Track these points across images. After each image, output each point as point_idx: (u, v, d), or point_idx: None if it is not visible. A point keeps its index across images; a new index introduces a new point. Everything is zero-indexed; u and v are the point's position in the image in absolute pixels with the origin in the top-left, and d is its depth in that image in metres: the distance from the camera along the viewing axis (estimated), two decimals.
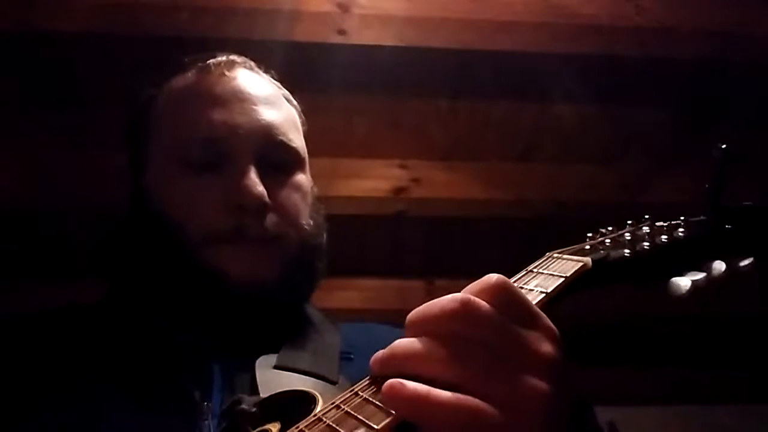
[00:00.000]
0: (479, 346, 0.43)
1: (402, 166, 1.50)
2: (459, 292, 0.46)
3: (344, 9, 1.31)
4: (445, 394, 0.41)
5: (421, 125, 1.48)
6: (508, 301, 0.46)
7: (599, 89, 1.46)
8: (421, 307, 0.47)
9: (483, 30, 1.36)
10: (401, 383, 0.42)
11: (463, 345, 0.43)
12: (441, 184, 1.51)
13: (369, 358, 0.58)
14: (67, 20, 1.25)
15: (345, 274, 1.46)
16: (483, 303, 0.45)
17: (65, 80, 1.34)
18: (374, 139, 1.48)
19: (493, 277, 0.47)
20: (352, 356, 0.72)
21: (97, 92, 1.35)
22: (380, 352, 0.47)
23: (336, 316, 0.81)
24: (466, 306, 0.44)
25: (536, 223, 1.53)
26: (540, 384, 0.43)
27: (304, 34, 1.31)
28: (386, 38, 1.35)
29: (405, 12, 1.34)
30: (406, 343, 0.45)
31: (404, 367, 0.44)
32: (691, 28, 1.39)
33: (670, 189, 1.53)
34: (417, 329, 0.46)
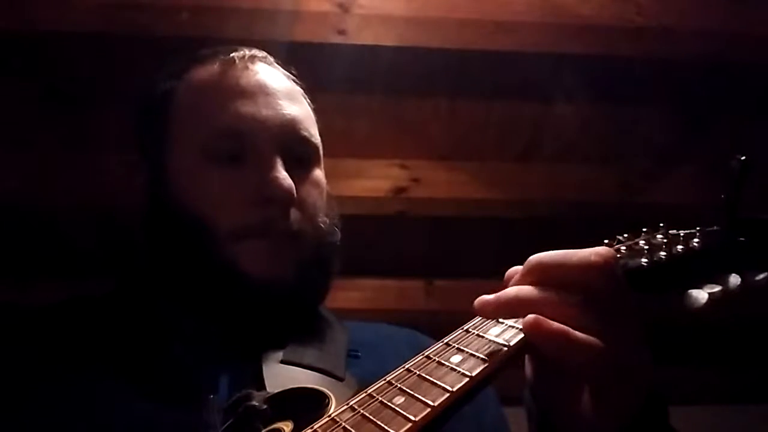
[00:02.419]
0: (607, 301, 0.48)
1: (402, 166, 1.50)
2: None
3: (344, 9, 1.31)
4: (581, 334, 0.46)
5: (421, 125, 1.48)
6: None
7: (599, 89, 1.46)
8: (551, 254, 0.51)
9: (483, 30, 1.36)
10: (545, 320, 0.47)
11: (593, 296, 0.48)
12: (441, 184, 1.51)
13: (377, 357, 0.59)
14: (67, 20, 1.25)
15: (345, 274, 1.45)
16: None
17: (65, 80, 1.34)
18: (374, 139, 1.48)
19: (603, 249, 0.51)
20: (359, 354, 0.72)
21: (97, 92, 1.34)
22: (492, 297, 0.51)
23: (337, 316, 0.81)
24: (607, 262, 0.49)
25: (536, 223, 1.53)
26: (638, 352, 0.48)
27: (304, 34, 1.31)
28: (386, 38, 1.35)
29: (405, 12, 1.34)
30: (531, 290, 0.50)
31: (531, 310, 0.48)
32: (691, 28, 1.39)
33: (670, 189, 1.53)
34: (545, 274, 0.50)
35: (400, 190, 1.49)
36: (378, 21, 1.34)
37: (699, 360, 1.68)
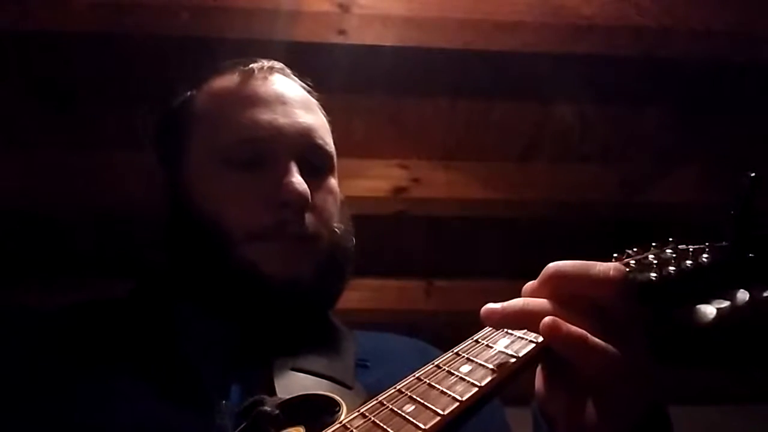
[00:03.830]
0: (620, 316, 0.49)
1: (402, 166, 1.50)
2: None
3: (344, 9, 1.31)
4: (598, 340, 0.48)
5: (421, 125, 1.48)
6: None
7: (599, 89, 1.46)
8: (571, 264, 0.51)
9: (483, 30, 1.36)
10: (564, 323, 0.47)
11: (606, 310, 0.50)
12: (441, 184, 1.51)
13: (386, 367, 0.59)
14: (66, 20, 1.25)
15: None
16: None
17: (65, 80, 1.34)
18: (374, 139, 1.48)
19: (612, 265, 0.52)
20: (368, 364, 0.73)
21: (97, 92, 1.35)
22: (499, 306, 0.51)
23: (338, 317, 0.81)
24: (625, 278, 0.50)
25: (536, 223, 1.53)
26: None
27: (304, 34, 1.31)
28: (386, 38, 1.35)
29: (405, 12, 1.34)
30: (539, 303, 0.50)
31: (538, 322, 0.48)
32: (691, 28, 1.39)
33: (670, 189, 1.54)
34: (562, 283, 0.51)
35: (400, 190, 1.49)
36: (378, 21, 1.33)
37: (699, 361, 1.68)
